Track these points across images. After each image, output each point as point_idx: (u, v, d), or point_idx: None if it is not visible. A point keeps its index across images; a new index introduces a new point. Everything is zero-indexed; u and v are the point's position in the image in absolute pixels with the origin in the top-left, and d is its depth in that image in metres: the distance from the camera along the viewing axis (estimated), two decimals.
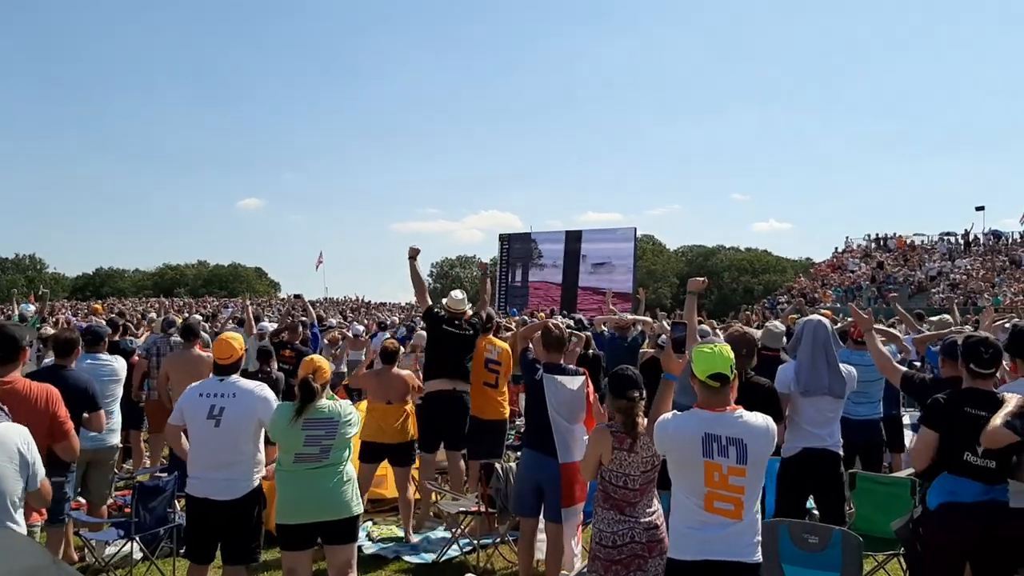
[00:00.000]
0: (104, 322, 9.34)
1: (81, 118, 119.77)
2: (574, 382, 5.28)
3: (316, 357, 4.79)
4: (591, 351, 9.57)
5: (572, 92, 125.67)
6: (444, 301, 7.20)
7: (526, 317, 15.16)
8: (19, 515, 3.21)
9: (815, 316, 5.77)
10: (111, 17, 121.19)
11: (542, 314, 17.86)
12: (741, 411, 3.55)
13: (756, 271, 70.64)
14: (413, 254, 7.36)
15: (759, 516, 3.58)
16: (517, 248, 40.79)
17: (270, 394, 4.78)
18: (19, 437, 3.29)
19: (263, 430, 4.72)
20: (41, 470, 3.36)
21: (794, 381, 5.32)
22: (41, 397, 4.32)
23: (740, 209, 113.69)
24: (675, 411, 3.74)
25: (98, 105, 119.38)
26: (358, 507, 4.66)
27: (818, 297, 34.21)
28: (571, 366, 5.50)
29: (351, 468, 4.71)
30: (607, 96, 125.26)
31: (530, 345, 6.04)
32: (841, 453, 5.36)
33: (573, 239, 39.53)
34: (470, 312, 7.32)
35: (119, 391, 6.66)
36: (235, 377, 4.81)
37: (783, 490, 5.27)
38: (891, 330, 8.16)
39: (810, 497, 5.45)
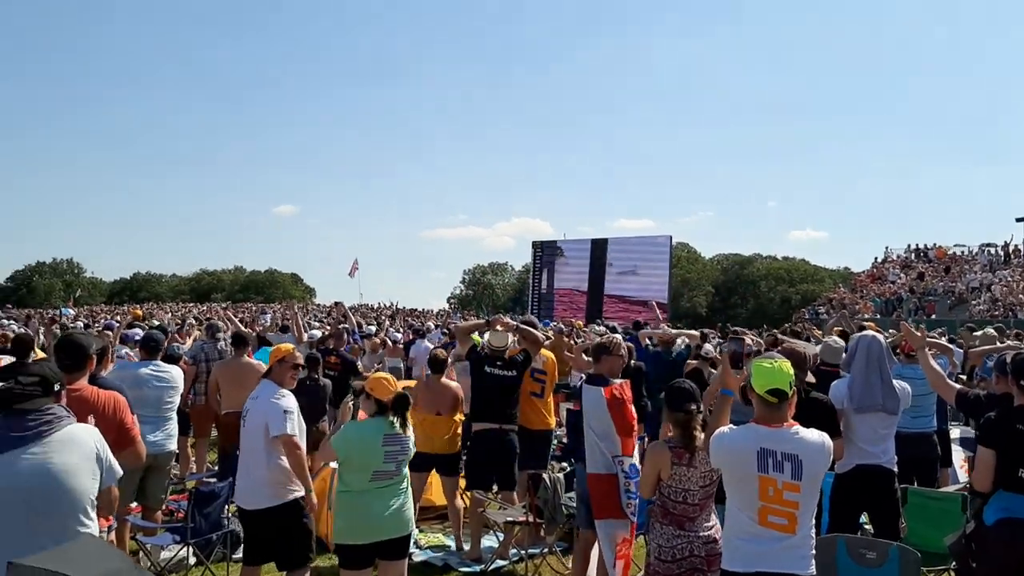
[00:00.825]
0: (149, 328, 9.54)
1: (117, 125, 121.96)
2: (599, 392, 5.15)
3: (389, 376, 4.84)
4: (632, 362, 9.57)
5: (603, 98, 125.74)
6: (486, 338, 7.09)
7: (562, 326, 15.16)
8: (93, 516, 3.24)
9: (869, 332, 5.73)
10: (146, 27, 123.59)
11: (579, 323, 17.91)
12: (798, 427, 3.56)
13: (793, 280, 69.88)
14: (492, 324, 7.20)
15: (814, 531, 3.61)
16: (549, 255, 40.76)
17: (287, 401, 4.85)
18: (94, 437, 3.31)
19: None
20: (118, 471, 3.38)
21: (847, 397, 5.28)
22: (109, 404, 4.38)
23: (775, 217, 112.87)
24: (731, 425, 3.77)
25: (135, 113, 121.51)
26: (413, 523, 4.75)
27: (858, 308, 33.79)
28: (607, 376, 5.46)
29: (410, 488, 4.80)
30: (638, 102, 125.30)
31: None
32: (895, 470, 5.33)
33: (603, 246, 39.41)
34: (514, 347, 7.07)
35: (177, 399, 6.78)
36: (270, 382, 4.94)
37: (837, 506, 5.25)
38: (942, 342, 7.99)
39: (863, 513, 5.43)
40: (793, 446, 3.50)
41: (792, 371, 3.60)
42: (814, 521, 3.62)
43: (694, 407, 4.12)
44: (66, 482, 3.10)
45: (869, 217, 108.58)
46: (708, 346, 10.40)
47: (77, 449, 3.18)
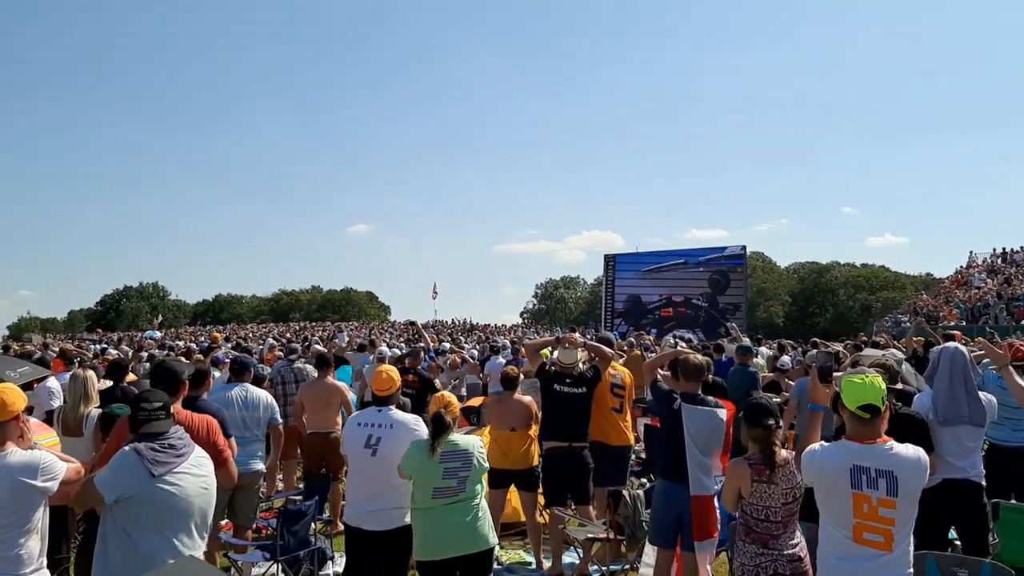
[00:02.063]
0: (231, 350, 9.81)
1: (197, 151, 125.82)
2: (715, 414, 5.23)
3: (446, 393, 4.98)
4: (711, 377, 9.45)
5: (672, 108, 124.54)
6: (556, 355, 7.07)
7: (632, 339, 15.07)
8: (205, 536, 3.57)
9: (951, 343, 5.58)
10: (222, 53, 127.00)
11: (650, 337, 17.78)
12: (892, 443, 3.51)
13: (873, 288, 67.99)
14: (562, 341, 7.20)
15: (911, 548, 3.54)
16: (620, 268, 40.53)
17: (423, 428, 4.93)
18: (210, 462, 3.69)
19: None
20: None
21: (932, 411, 5.17)
22: (203, 427, 4.62)
23: (852, 223, 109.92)
24: (823, 441, 3.71)
25: (213, 139, 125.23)
26: (494, 539, 4.76)
27: (942, 315, 32.70)
28: (711, 397, 5.44)
29: (485, 504, 4.80)
30: (707, 111, 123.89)
31: (658, 375, 6.01)
32: (983, 483, 5.20)
33: (676, 257, 39.04)
34: (582, 364, 7.06)
35: (264, 420, 6.92)
36: (393, 408, 5.02)
37: (924, 522, 5.09)
38: None
39: (951, 528, 5.30)
40: (888, 462, 3.45)
41: (884, 385, 3.54)
42: (912, 538, 3.54)
43: (772, 422, 4.07)
44: (212, 496, 3.59)
45: (951, 220, 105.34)
46: (785, 358, 10.24)
47: (208, 467, 3.62)
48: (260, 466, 6.78)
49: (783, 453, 4.08)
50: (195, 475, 3.51)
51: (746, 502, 4.04)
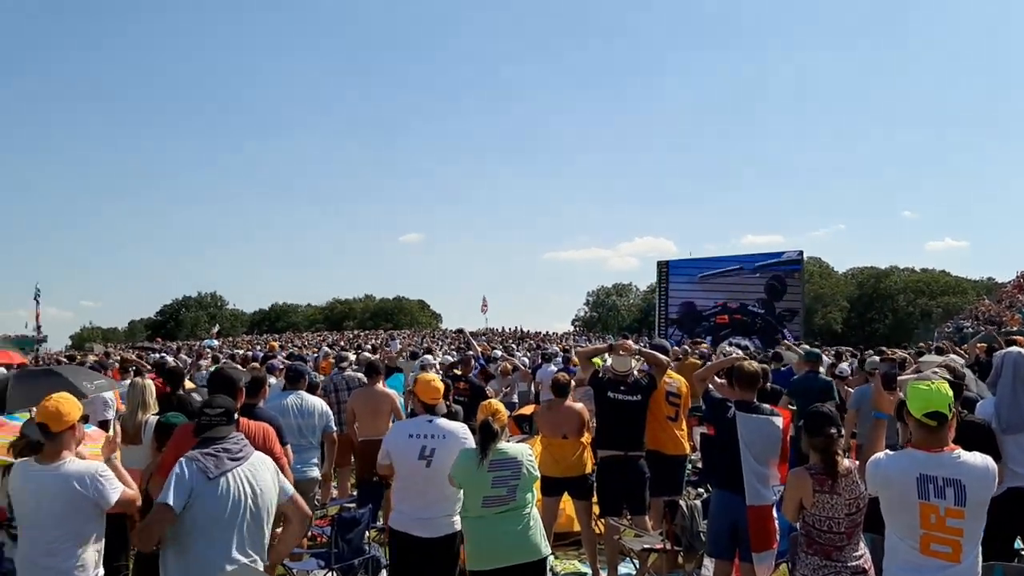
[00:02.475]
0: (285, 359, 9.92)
1: (253, 164, 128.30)
2: (770, 422, 5.13)
3: (494, 401, 4.94)
4: (769, 385, 9.25)
5: (725, 112, 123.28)
6: (609, 362, 6.99)
7: (687, 347, 14.88)
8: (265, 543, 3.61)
9: (1014, 348, 5.39)
10: (276, 65, 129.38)
11: (706, 345, 17.52)
12: (959, 451, 3.42)
13: (934, 293, 66.47)
14: (615, 348, 7.05)
15: (980, 560, 3.45)
16: (674, 275, 40.17)
17: (471, 438, 4.94)
18: (270, 460, 3.78)
19: None
20: (289, 489, 3.80)
21: (995, 418, 5.02)
22: (260, 435, 4.71)
23: (911, 227, 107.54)
24: (888, 450, 3.61)
25: (267, 150, 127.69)
26: (547, 548, 4.71)
27: (1005, 321, 31.76)
28: (767, 405, 5.33)
29: (537, 512, 4.76)
30: (763, 115, 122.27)
31: (711, 384, 5.91)
32: None
33: (731, 263, 38.58)
34: (636, 372, 6.92)
35: (319, 427, 6.99)
36: (441, 418, 5.03)
37: (991, 532, 4.92)
38: None
39: (1017, 538, 5.18)
40: (955, 471, 3.36)
41: (951, 392, 3.43)
42: (980, 549, 3.45)
43: (834, 431, 3.98)
44: (269, 500, 3.62)
45: (1014, 224, 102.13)
46: (844, 365, 10.00)
47: (269, 472, 3.66)
48: (315, 473, 6.84)
49: (846, 463, 4.00)
50: (252, 480, 3.55)
51: (808, 513, 3.96)
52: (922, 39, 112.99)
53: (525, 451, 4.70)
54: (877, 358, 9.92)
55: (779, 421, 5.13)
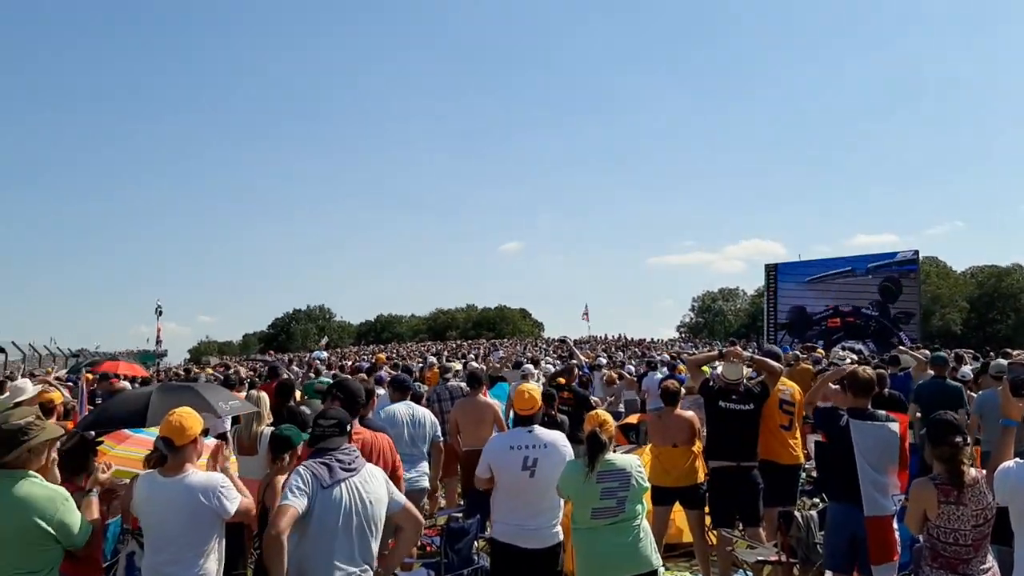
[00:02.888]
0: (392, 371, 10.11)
1: (354, 177, 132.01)
2: (887, 428, 4.92)
3: (600, 411, 4.94)
4: (887, 391, 8.88)
5: (832, 108, 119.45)
6: (719, 370, 6.86)
7: (798, 353, 14.45)
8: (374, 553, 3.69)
9: None
10: (377, 78, 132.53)
11: (820, 350, 17.00)
12: None
13: None
14: (726, 356, 6.93)
15: None
16: (783, 278, 39.18)
17: (570, 446, 4.98)
18: (382, 472, 3.88)
19: None
20: (400, 499, 3.87)
21: None
22: (385, 445, 4.89)
23: None
24: (1018, 458, 3.41)
25: (368, 163, 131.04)
26: (658, 560, 4.66)
27: None
28: (881, 411, 5.11)
29: (647, 524, 4.71)
30: (871, 110, 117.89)
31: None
32: None
33: (842, 265, 37.38)
34: (747, 378, 6.78)
35: (428, 437, 7.08)
36: (539, 427, 5.05)
37: None
38: None
39: None
40: None
41: None
42: None
43: (959, 440, 3.81)
44: (380, 511, 3.70)
45: None
46: (965, 369, 9.52)
47: (380, 483, 3.74)
48: (425, 483, 6.93)
49: (972, 472, 3.80)
50: (364, 491, 3.62)
51: (933, 525, 3.81)
52: None
53: (634, 462, 4.65)
54: (1004, 362, 9.39)
55: (896, 427, 4.92)
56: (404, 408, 7.04)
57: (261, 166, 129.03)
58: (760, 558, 6.04)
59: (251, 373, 15.52)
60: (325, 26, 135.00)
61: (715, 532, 6.66)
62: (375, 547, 3.69)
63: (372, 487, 3.67)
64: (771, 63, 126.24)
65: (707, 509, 6.73)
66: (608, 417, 4.82)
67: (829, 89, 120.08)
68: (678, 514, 6.96)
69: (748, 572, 6.47)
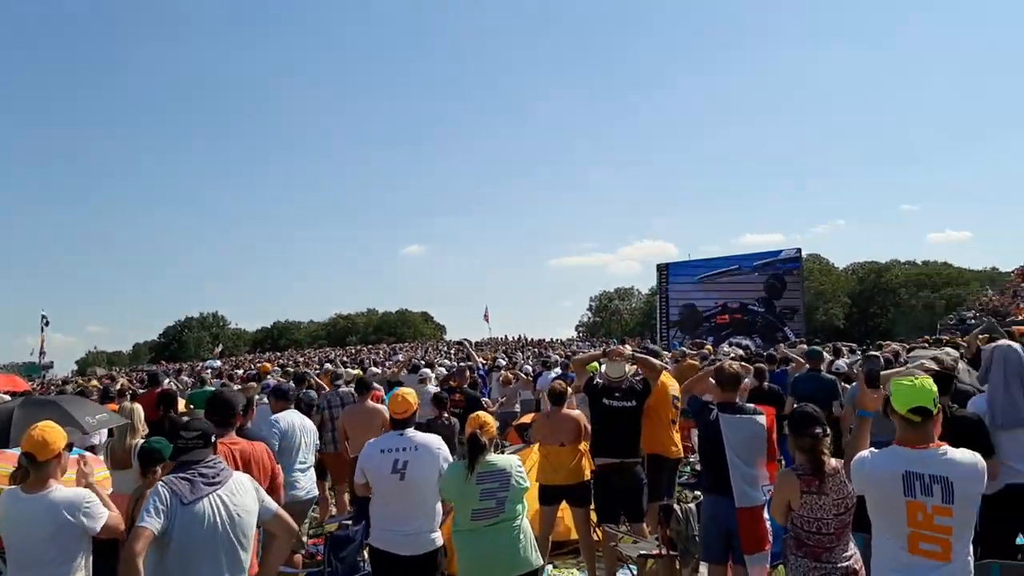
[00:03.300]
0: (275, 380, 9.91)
1: (250, 178, 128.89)
2: (754, 421, 5.09)
3: (482, 413, 4.89)
4: (766, 384, 9.21)
5: (720, 112, 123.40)
6: (603, 369, 6.98)
7: (686, 349, 14.85)
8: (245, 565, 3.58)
9: (1004, 340, 5.34)
10: (272, 79, 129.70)
11: (708, 347, 17.49)
12: (946, 447, 3.36)
13: (936, 285, 66.25)
14: (609, 354, 7.03)
15: (971, 559, 3.37)
16: (674, 277, 40.16)
17: (446, 448, 4.95)
18: (252, 480, 3.74)
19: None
20: (272, 506, 3.75)
21: (988, 415, 4.96)
22: (263, 454, 4.75)
23: (911, 220, 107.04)
24: (873, 448, 3.56)
25: (265, 166, 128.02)
26: (538, 560, 4.68)
27: (1010, 311, 31.71)
28: (749, 404, 5.29)
29: (527, 524, 4.72)
30: (760, 113, 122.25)
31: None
32: None
33: (730, 263, 38.55)
34: (630, 374, 6.91)
35: (309, 446, 6.96)
36: (412, 431, 5.00)
37: (989, 529, 4.89)
38: None
39: (1018, 535, 5.08)
40: (942, 468, 3.30)
41: (935, 387, 3.39)
42: (971, 548, 3.38)
43: (819, 431, 3.95)
44: (249, 521, 3.58)
45: (1016, 212, 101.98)
46: (840, 362, 9.95)
47: (247, 493, 3.62)
48: (302, 494, 6.82)
49: (832, 462, 3.96)
50: (230, 504, 3.51)
51: (796, 515, 3.92)
52: (916, 33, 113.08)
53: (514, 462, 4.67)
54: (859, 356, 9.86)
55: (762, 420, 5.10)
56: (296, 417, 6.95)
57: (152, 168, 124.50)
58: (643, 552, 6.16)
59: (130, 384, 14.90)
60: (215, 24, 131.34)
61: (601, 529, 6.76)
62: (246, 559, 3.59)
63: (239, 498, 3.55)
64: (662, 67, 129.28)
65: (593, 506, 6.83)
66: (489, 419, 4.82)
67: (717, 93, 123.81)
68: (566, 512, 7.04)
69: (632, 567, 6.59)
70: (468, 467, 4.51)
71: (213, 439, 3.66)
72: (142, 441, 5.93)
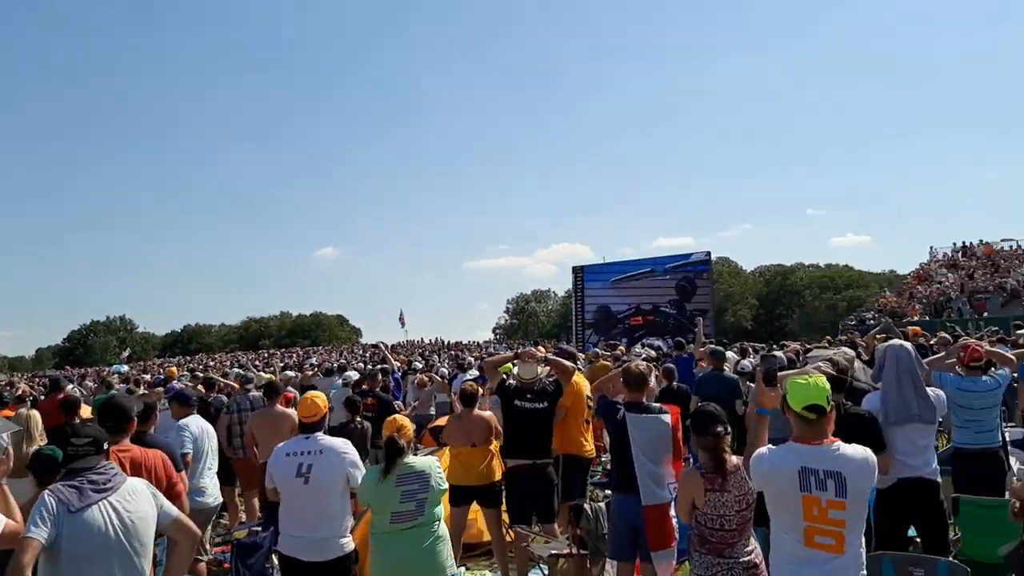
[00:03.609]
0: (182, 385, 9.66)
1: (159, 179, 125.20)
2: (659, 420, 5.19)
3: (399, 416, 4.87)
4: (675, 384, 9.39)
5: (635, 118, 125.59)
6: (515, 370, 7.01)
7: (599, 351, 15.04)
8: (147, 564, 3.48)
9: (895, 341, 5.57)
10: (186, 80, 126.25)
11: (621, 348, 17.76)
12: (839, 444, 3.48)
13: (838, 287, 68.73)
14: (521, 356, 7.08)
15: (863, 550, 3.50)
16: (589, 279, 40.58)
17: (354, 451, 4.89)
18: (148, 486, 3.62)
19: (350, 489, 4.77)
20: (171, 511, 3.64)
21: (881, 412, 5.14)
22: (157, 462, 4.56)
23: (815, 224, 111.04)
24: (771, 445, 3.67)
25: (175, 167, 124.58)
26: (453, 568, 4.67)
27: (906, 312, 33.09)
28: (655, 404, 5.40)
29: (444, 528, 4.71)
30: (669, 119, 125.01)
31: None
32: (939, 480, 5.19)
33: (643, 266, 39.15)
34: (542, 376, 6.96)
35: (208, 451, 6.80)
36: (320, 435, 4.93)
37: (882, 522, 5.09)
38: (1003, 352, 7.44)
39: (910, 527, 5.28)
40: (835, 463, 3.41)
41: (828, 385, 3.51)
42: (863, 539, 3.51)
43: (721, 430, 4.03)
44: (145, 528, 3.46)
45: (912, 218, 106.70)
46: (745, 361, 10.23)
47: (143, 499, 3.50)
48: (217, 499, 6.66)
49: (733, 460, 4.04)
50: (123, 511, 3.38)
51: (700, 512, 3.99)
52: (820, 39, 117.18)
53: (433, 463, 4.67)
54: (757, 356, 10.16)
55: (667, 419, 5.18)
56: (202, 423, 6.82)
57: (55, 170, 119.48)
58: (553, 552, 6.21)
59: (31, 390, 14.29)
60: (124, 23, 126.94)
61: (512, 529, 6.80)
62: (146, 565, 3.47)
63: (134, 504, 3.43)
64: (577, 75, 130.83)
65: (504, 507, 6.86)
66: (406, 422, 4.80)
67: (629, 101, 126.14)
68: (478, 514, 7.05)
69: (543, 567, 6.65)
70: (385, 470, 4.48)
71: (106, 446, 3.53)
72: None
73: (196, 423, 6.79)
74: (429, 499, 4.54)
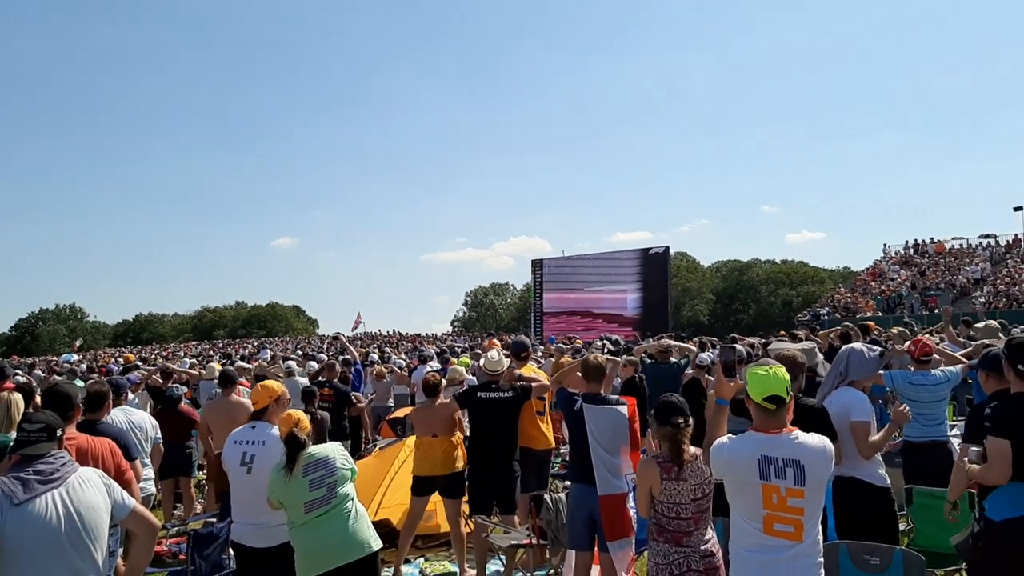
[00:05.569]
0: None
1: (112, 168, 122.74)
2: (616, 411, 5.21)
3: (295, 411, 4.72)
4: (639, 376, 9.49)
5: (593, 114, 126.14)
6: (482, 363, 7.01)
7: (562, 344, 15.09)
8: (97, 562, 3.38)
9: (857, 344, 5.55)
10: (139, 67, 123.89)
11: (579, 340, 17.85)
12: (797, 432, 3.51)
13: (793, 283, 69.76)
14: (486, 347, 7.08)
15: (821, 538, 3.54)
16: (548, 273, 40.74)
17: None
18: (101, 475, 3.52)
19: None
20: (128, 502, 3.54)
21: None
22: (105, 450, 4.50)
23: (771, 221, 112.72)
24: (730, 434, 3.70)
25: (128, 154, 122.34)
26: (376, 543, 4.60)
27: (860, 307, 33.69)
28: (613, 395, 5.43)
29: (360, 506, 4.67)
30: (627, 116, 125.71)
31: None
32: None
33: (600, 260, 39.42)
34: (509, 370, 6.98)
35: (147, 441, 6.63)
36: (267, 423, 4.90)
37: (838, 511, 5.13)
38: (952, 353, 7.43)
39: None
40: (794, 451, 3.44)
41: (788, 376, 3.55)
42: (821, 527, 3.56)
43: (681, 420, 4.05)
44: (97, 518, 3.35)
45: (866, 216, 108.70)
46: (705, 355, 10.35)
47: (95, 488, 3.40)
48: (153, 488, 6.60)
49: (691, 449, 4.07)
50: (72, 502, 3.28)
51: (657, 501, 4.01)
52: (776, 36, 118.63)
53: (336, 447, 4.65)
54: (715, 349, 10.31)
55: (624, 409, 5.22)
56: (136, 414, 6.62)
57: (4, 157, 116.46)
58: (513, 542, 6.22)
59: None
60: (76, 13, 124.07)
61: (472, 520, 6.79)
62: (98, 557, 3.37)
63: (84, 495, 3.33)
64: (536, 70, 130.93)
65: (465, 498, 6.85)
66: (302, 415, 4.68)
67: (588, 96, 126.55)
68: (438, 505, 7.04)
69: (503, 557, 6.66)
70: (289, 467, 4.44)
71: (59, 433, 3.44)
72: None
73: (121, 415, 6.47)
74: (338, 480, 4.50)
